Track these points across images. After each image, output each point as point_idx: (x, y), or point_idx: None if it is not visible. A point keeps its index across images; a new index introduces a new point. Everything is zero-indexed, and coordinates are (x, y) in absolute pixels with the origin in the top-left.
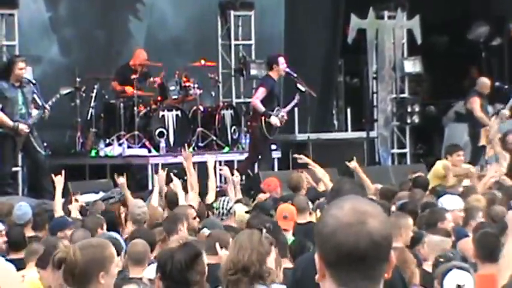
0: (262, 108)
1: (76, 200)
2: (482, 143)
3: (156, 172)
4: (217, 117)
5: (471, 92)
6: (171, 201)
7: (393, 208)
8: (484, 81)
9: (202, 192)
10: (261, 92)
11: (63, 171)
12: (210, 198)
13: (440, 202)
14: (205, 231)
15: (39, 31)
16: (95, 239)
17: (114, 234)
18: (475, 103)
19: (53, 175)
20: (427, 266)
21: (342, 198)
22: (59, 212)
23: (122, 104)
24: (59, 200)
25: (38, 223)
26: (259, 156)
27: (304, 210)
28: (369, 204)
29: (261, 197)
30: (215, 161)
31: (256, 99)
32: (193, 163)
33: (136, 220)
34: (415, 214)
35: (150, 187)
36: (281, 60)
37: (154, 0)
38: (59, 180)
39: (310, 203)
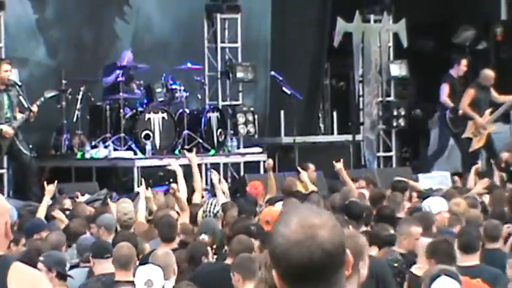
0: None
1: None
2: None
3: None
4: (203, 120)
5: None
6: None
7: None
8: (485, 73)
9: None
10: None
11: (56, 182)
12: (196, 198)
13: (426, 205)
14: (204, 237)
15: (26, 33)
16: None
17: None
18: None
19: (45, 183)
20: (415, 269)
21: (287, 212)
22: (40, 216)
23: (108, 106)
24: (44, 207)
25: (24, 225)
26: None
27: None
28: (315, 214)
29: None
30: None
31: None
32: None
33: (123, 225)
34: (393, 218)
35: (136, 189)
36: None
37: (141, 3)
38: (50, 190)
39: None
